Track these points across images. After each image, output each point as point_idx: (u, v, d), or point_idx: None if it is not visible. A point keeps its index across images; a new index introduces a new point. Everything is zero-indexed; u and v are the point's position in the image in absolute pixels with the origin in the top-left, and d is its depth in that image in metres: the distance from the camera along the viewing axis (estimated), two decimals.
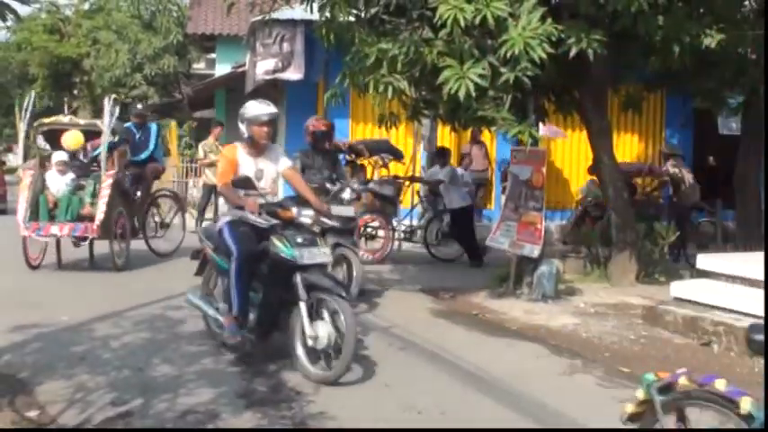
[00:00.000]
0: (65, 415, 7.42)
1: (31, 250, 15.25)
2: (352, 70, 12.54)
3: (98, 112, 36.79)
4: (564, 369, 9.53)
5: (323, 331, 8.49)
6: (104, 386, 8.24)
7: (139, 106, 18.23)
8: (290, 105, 23.63)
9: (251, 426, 7.30)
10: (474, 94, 11.20)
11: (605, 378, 9.16)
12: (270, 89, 24.82)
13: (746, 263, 11.51)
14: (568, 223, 19.81)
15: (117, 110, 16.21)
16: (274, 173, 9.68)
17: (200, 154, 23.06)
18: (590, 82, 14.05)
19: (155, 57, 34.01)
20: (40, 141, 17.07)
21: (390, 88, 11.92)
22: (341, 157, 19.12)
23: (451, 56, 11.39)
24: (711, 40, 12.25)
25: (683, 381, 5.25)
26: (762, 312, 10.26)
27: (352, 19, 12.91)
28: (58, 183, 15.63)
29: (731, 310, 10.85)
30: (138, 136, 17.35)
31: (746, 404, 4.89)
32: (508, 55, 10.96)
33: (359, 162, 19.04)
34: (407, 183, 19.93)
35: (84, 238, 15.25)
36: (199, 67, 37.81)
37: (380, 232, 18.28)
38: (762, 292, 10.59)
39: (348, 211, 12.58)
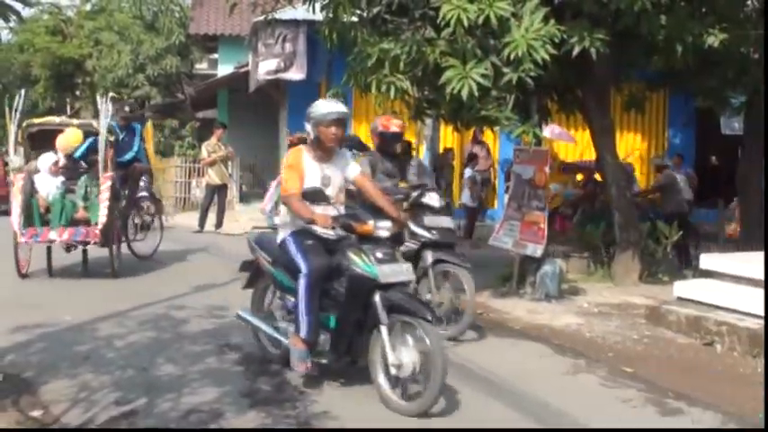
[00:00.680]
0: (69, 414, 7.42)
1: (21, 257, 14.56)
2: (355, 70, 12.55)
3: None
4: (567, 369, 9.53)
5: (407, 358, 7.62)
6: (108, 385, 8.24)
7: (126, 108, 17.79)
8: (292, 106, 23.68)
9: (255, 425, 7.30)
10: (477, 94, 11.23)
11: (608, 378, 9.15)
12: (272, 89, 24.90)
13: (749, 263, 11.50)
14: None
15: (111, 109, 15.59)
16: (342, 180, 8.73)
17: (204, 154, 23.10)
18: (593, 81, 14.05)
19: (157, 57, 34.02)
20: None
21: (393, 88, 11.94)
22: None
23: (454, 56, 11.41)
24: (714, 39, 12.26)
25: None
26: (765, 313, 10.31)
27: (354, 19, 12.91)
28: (48, 186, 15.07)
29: (734, 310, 10.84)
30: (122, 137, 16.80)
31: None
32: (511, 57, 10.98)
33: None
34: None
35: (85, 243, 14.59)
36: (201, 67, 37.83)
37: None
38: (764, 292, 10.61)
39: (445, 221, 11.26)
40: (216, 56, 36.48)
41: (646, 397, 8.48)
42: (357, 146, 19.41)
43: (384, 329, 7.74)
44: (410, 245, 10.55)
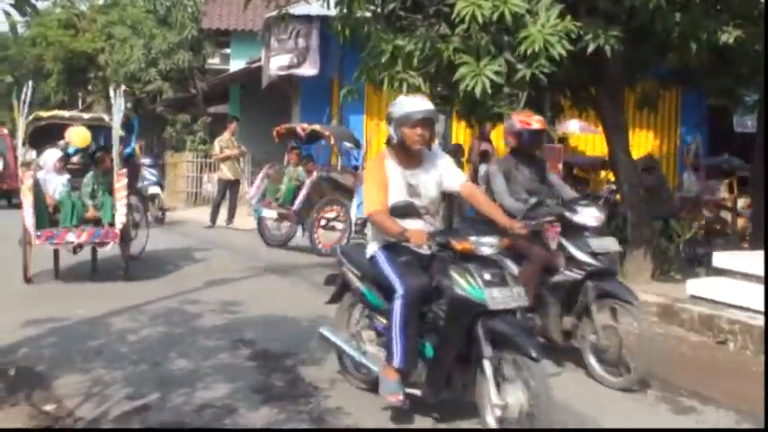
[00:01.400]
0: (81, 408, 7.43)
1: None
2: (368, 66, 12.54)
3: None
4: (575, 366, 9.50)
5: (513, 398, 6.70)
6: (121, 380, 8.26)
7: (128, 105, 17.64)
8: (305, 101, 23.69)
9: (268, 421, 7.30)
10: (490, 91, 11.21)
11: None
12: (284, 85, 24.89)
13: (762, 261, 11.48)
14: None
15: (123, 103, 14.71)
16: (434, 188, 7.61)
17: (216, 149, 23.13)
18: (607, 79, 14.01)
19: (169, 52, 34.01)
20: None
21: (405, 84, 11.93)
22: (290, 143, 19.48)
23: (468, 52, 11.40)
24: (728, 36, 12.23)
25: None
26: None
27: (368, 14, 12.90)
28: (55, 184, 14.50)
29: (747, 309, 10.83)
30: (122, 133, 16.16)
31: None
32: (528, 52, 10.97)
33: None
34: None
35: (102, 245, 13.82)
36: (213, 62, 37.82)
37: (339, 225, 18.52)
38: None
39: (611, 243, 9.49)
40: (228, 51, 36.47)
41: (658, 395, 8.46)
42: (350, 139, 19.29)
43: (487, 365, 6.76)
44: (571, 274, 9.04)
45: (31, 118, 14.31)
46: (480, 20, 10.95)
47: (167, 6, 34.65)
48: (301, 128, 19.13)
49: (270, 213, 18.62)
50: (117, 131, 14.27)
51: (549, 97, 13.22)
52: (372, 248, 7.62)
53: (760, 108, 16.75)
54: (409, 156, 7.52)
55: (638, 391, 8.52)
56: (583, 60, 12.04)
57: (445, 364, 7.08)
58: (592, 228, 9.28)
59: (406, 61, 11.82)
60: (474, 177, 18.10)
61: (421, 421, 7.61)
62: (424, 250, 7.32)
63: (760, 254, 12.47)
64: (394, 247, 7.42)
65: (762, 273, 11.10)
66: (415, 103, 7.48)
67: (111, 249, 14.13)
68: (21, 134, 14.27)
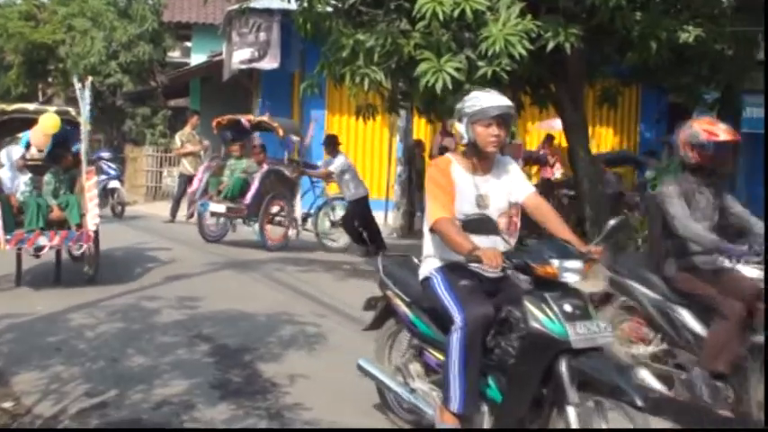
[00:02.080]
0: (40, 406, 7.38)
1: None
2: (329, 61, 12.53)
3: (73, 101, 36.70)
4: None
5: None
6: (79, 377, 8.21)
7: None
8: (265, 95, 23.64)
9: (226, 417, 7.27)
10: (450, 88, 11.22)
11: None
12: (245, 79, 24.84)
13: None
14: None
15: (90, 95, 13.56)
16: (504, 199, 6.47)
17: (177, 143, 23.02)
18: (566, 76, 14.09)
19: (130, 44, 33.80)
20: None
21: (367, 80, 11.93)
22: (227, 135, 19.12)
23: (429, 48, 11.42)
24: (688, 35, 12.30)
25: None
26: None
27: (329, 9, 12.89)
28: (16, 183, 13.61)
29: None
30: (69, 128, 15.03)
31: None
32: (489, 52, 10.98)
33: (256, 144, 19.05)
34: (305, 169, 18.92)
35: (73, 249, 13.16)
36: (174, 55, 37.67)
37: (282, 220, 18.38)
38: None
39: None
40: (189, 44, 36.36)
41: None
42: (296, 133, 18.94)
43: (573, 412, 5.63)
44: None
45: None
46: (441, 17, 10.96)
47: None
48: (247, 119, 18.86)
49: (218, 208, 17.98)
50: (86, 125, 13.29)
51: (509, 94, 13.21)
52: (428, 269, 6.50)
53: (719, 106, 16.84)
54: (481, 159, 6.41)
55: None
56: (543, 58, 12.09)
57: (515, 410, 5.98)
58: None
59: (366, 56, 11.81)
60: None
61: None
62: (490, 273, 6.21)
63: None
64: (454, 268, 6.33)
65: None
66: (491, 98, 6.33)
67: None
68: None
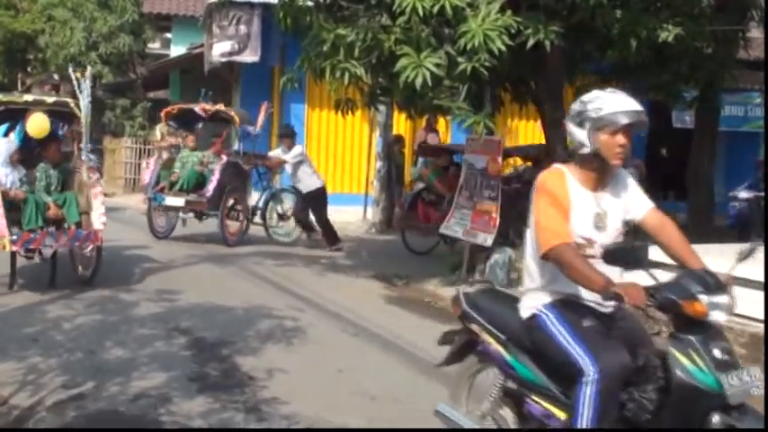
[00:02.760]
0: (17, 397, 7.37)
1: None
2: (309, 55, 12.52)
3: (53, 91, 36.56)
4: None
5: None
6: (56, 368, 8.21)
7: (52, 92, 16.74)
8: (245, 88, 23.62)
9: (203, 410, 7.27)
10: (430, 83, 11.24)
11: None
12: (225, 72, 24.80)
13: (700, 254, 11.61)
14: (400, 208, 18.74)
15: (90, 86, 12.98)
16: (620, 219, 5.48)
17: (158, 136, 22.97)
18: (546, 73, 14.10)
19: (110, 35, 33.67)
20: None
21: (347, 74, 11.91)
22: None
23: (409, 44, 11.41)
24: (668, 34, 12.33)
25: None
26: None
27: (310, 3, 12.88)
28: (11, 179, 12.47)
29: None
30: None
31: None
32: (468, 47, 10.99)
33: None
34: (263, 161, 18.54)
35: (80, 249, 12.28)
36: (154, 47, 37.55)
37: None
38: None
39: None
40: (169, 36, 36.27)
41: None
42: (251, 123, 18.48)
43: None
44: None
45: None
46: (421, 12, 10.95)
47: None
48: (202, 108, 18.08)
49: (175, 201, 17.30)
50: (87, 118, 12.74)
51: (489, 90, 13.26)
52: (534, 304, 5.43)
53: (698, 105, 16.92)
54: (602, 173, 5.37)
55: None
56: (523, 55, 12.11)
57: None
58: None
59: (347, 51, 11.80)
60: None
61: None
62: (604, 307, 5.35)
63: (694, 247, 12.62)
64: (568, 304, 5.34)
65: None
66: (619, 101, 5.36)
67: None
68: None
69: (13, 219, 11.85)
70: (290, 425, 7.07)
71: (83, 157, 12.71)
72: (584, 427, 4.95)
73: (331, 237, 17.52)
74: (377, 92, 13.75)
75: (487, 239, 13.16)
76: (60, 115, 12.89)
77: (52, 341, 9.24)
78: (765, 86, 14.57)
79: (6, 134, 13.20)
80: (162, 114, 18.62)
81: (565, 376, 5.18)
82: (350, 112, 13.93)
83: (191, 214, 17.64)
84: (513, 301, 5.75)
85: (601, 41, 13.18)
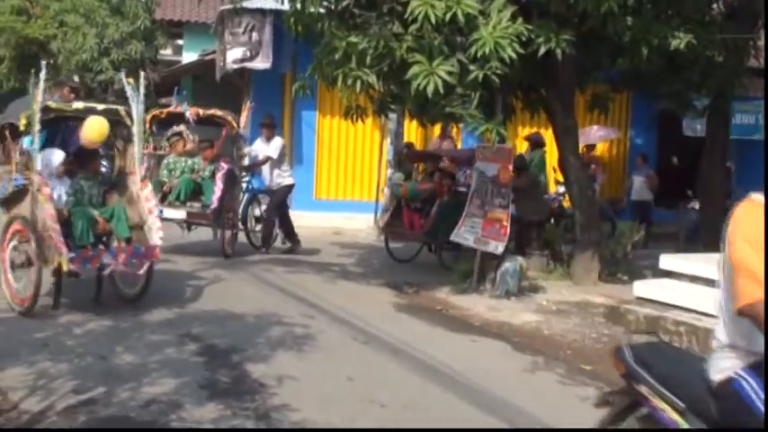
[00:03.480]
0: (27, 402, 7.36)
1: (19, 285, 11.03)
2: (321, 62, 12.54)
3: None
4: (526, 366, 9.60)
5: None
6: (67, 373, 8.21)
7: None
8: (256, 95, 23.61)
9: (213, 417, 7.28)
10: (442, 91, 11.25)
11: (567, 376, 9.23)
12: (236, 78, 24.82)
13: (708, 263, 11.60)
14: (385, 215, 18.29)
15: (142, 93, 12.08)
16: None
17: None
18: (558, 81, 14.12)
19: (122, 41, 33.78)
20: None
21: (359, 82, 11.93)
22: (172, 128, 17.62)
23: (421, 52, 11.43)
24: (679, 41, 12.34)
25: None
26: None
27: (322, 10, 12.91)
28: (57, 192, 11.46)
29: (693, 311, 10.95)
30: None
31: None
32: (479, 54, 11.00)
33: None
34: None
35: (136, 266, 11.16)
36: (166, 53, 37.63)
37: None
38: None
39: None
40: (181, 42, 36.35)
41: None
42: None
43: None
44: None
45: (34, 109, 10.89)
46: (433, 20, 10.98)
47: None
48: (195, 112, 16.84)
49: (176, 214, 16.21)
50: (139, 127, 11.90)
51: (500, 98, 13.27)
52: (729, 366, 4.37)
53: (709, 113, 16.90)
54: None
55: (579, 387, 8.60)
56: (535, 63, 12.13)
57: None
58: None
59: (359, 59, 11.82)
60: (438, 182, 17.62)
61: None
62: None
63: (706, 256, 12.62)
64: None
65: (709, 275, 11.23)
66: None
67: None
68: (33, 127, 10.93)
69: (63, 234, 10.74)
70: None
71: (135, 168, 11.79)
72: None
73: (295, 237, 17.24)
74: (387, 99, 13.77)
75: (498, 247, 13.16)
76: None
77: (63, 346, 9.24)
78: (765, 89, 14.56)
79: (44, 146, 11.81)
80: (147, 118, 16.18)
81: None
82: (360, 119, 13.95)
83: (193, 226, 16.81)
84: (693, 359, 4.98)
85: (612, 49, 13.21)
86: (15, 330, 9.83)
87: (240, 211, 17.28)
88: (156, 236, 11.38)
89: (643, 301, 11.87)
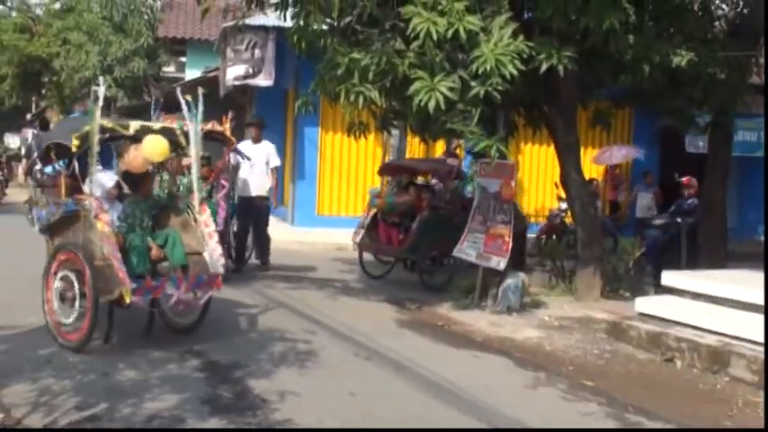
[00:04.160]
0: (30, 418, 7.39)
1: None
2: (324, 79, 12.57)
3: (68, 113, 36.69)
4: (528, 382, 9.59)
5: None
6: (70, 389, 8.23)
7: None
8: (259, 112, 23.70)
9: None
10: (443, 107, 11.26)
11: (569, 391, 9.21)
12: (239, 95, 24.90)
13: (711, 280, 11.63)
14: (360, 230, 17.08)
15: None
16: None
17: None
18: (560, 98, 14.14)
19: (125, 59, 33.94)
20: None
21: (361, 97, 11.94)
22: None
23: (423, 68, 11.45)
24: (681, 59, 12.36)
25: None
26: (726, 330, 10.47)
27: (324, 27, 12.93)
28: (110, 216, 10.32)
29: (695, 327, 10.96)
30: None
31: None
32: (480, 71, 11.03)
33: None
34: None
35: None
36: (169, 70, 37.78)
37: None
38: (725, 309, 10.79)
39: None
40: (184, 59, 36.46)
41: (606, 411, 8.56)
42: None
43: None
44: None
45: (87, 129, 9.93)
46: (435, 36, 11.00)
47: (124, 13, 34.57)
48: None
49: None
50: (199, 147, 11.27)
51: (502, 114, 13.29)
52: None
53: (711, 130, 16.91)
54: None
55: (581, 402, 8.61)
56: (537, 79, 12.15)
57: None
58: None
59: (361, 75, 11.83)
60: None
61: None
62: None
63: (708, 273, 12.66)
64: None
65: (712, 292, 11.26)
66: None
67: None
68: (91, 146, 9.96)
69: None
70: None
71: (195, 190, 11.07)
72: None
73: (267, 254, 16.72)
74: (390, 115, 13.79)
75: (500, 263, 13.16)
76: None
77: (66, 362, 9.24)
78: (766, 92, 14.56)
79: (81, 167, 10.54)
80: None
81: None
82: (362, 135, 13.97)
83: None
84: None
85: (614, 66, 13.23)
86: (19, 347, 9.82)
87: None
88: (218, 263, 10.62)
89: (645, 317, 11.86)
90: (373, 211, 16.60)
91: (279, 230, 19.54)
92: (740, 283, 11.28)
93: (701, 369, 10.30)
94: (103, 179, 11.12)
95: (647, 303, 12.18)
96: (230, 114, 13.34)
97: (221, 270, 10.59)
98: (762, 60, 16.52)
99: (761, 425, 8.36)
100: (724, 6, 16.09)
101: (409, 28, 11.22)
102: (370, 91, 11.90)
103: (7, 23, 41.15)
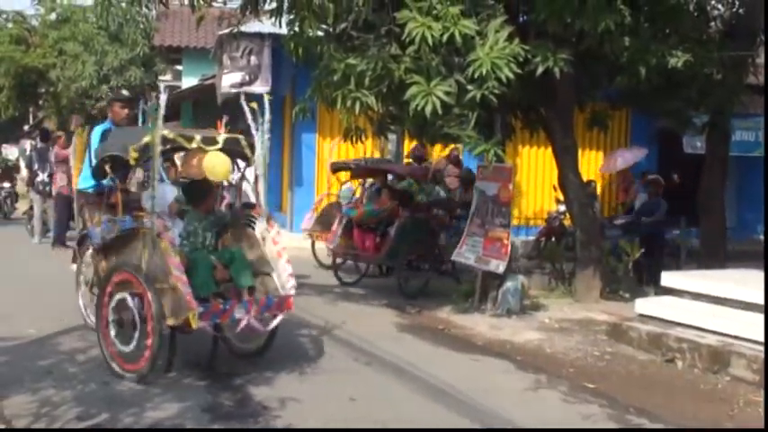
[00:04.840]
0: (31, 429, 7.38)
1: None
2: (320, 85, 12.57)
3: (65, 123, 36.66)
4: (529, 384, 9.59)
5: None
6: (71, 400, 8.22)
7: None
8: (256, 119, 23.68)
9: None
10: (440, 111, 11.26)
11: (570, 394, 9.21)
12: (235, 102, 24.87)
13: (710, 280, 11.63)
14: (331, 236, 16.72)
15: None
16: None
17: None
18: (556, 100, 14.15)
19: (121, 68, 33.93)
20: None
21: (358, 103, 11.94)
22: None
23: (419, 72, 11.45)
24: (677, 60, 12.37)
25: None
26: (726, 330, 10.47)
27: (320, 33, 12.94)
28: (172, 234, 9.70)
29: (695, 327, 10.95)
30: None
31: None
32: (476, 74, 11.03)
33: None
34: None
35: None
36: (165, 78, 37.73)
37: None
38: (725, 309, 10.79)
39: None
40: (180, 67, 36.46)
41: (607, 413, 8.56)
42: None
43: None
44: None
45: (148, 140, 9.14)
46: (431, 41, 11.01)
47: (119, 23, 34.50)
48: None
49: None
50: (265, 159, 10.65)
51: (499, 118, 13.29)
52: None
53: (709, 130, 16.90)
54: None
55: (582, 404, 8.61)
56: (533, 82, 12.15)
57: None
58: None
59: (358, 80, 11.84)
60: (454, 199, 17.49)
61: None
62: None
63: (708, 273, 12.66)
64: None
65: (711, 292, 11.25)
66: None
67: None
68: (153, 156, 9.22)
69: None
70: None
71: (261, 206, 10.30)
72: None
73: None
74: (386, 120, 13.81)
75: (500, 266, 13.16)
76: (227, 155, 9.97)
77: (66, 373, 9.23)
78: (766, 98, 14.56)
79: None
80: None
81: None
82: (360, 140, 13.98)
83: None
84: None
85: (610, 68, 13.25)
86: (19, 358, 9.80)
87: None
88: (288, 284, 9.69)
89: (645, 318, 11.86)
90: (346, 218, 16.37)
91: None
92: (740, 282, 11.28)
93: (701, 369, 10.30)
94: (165, 193, 10.37)
95: (646, 304, 12.18)
96: (224, 119, 13.19)
97: (292, 291, 9.68)
98: (759, 60, 16.52)
99: (762, 424, 8.36)
100: (720, 7, 16.08)
101: (405, 33, 11.23)
102: (367, 96, 11.91)
103: (3, 35, 41.08)
